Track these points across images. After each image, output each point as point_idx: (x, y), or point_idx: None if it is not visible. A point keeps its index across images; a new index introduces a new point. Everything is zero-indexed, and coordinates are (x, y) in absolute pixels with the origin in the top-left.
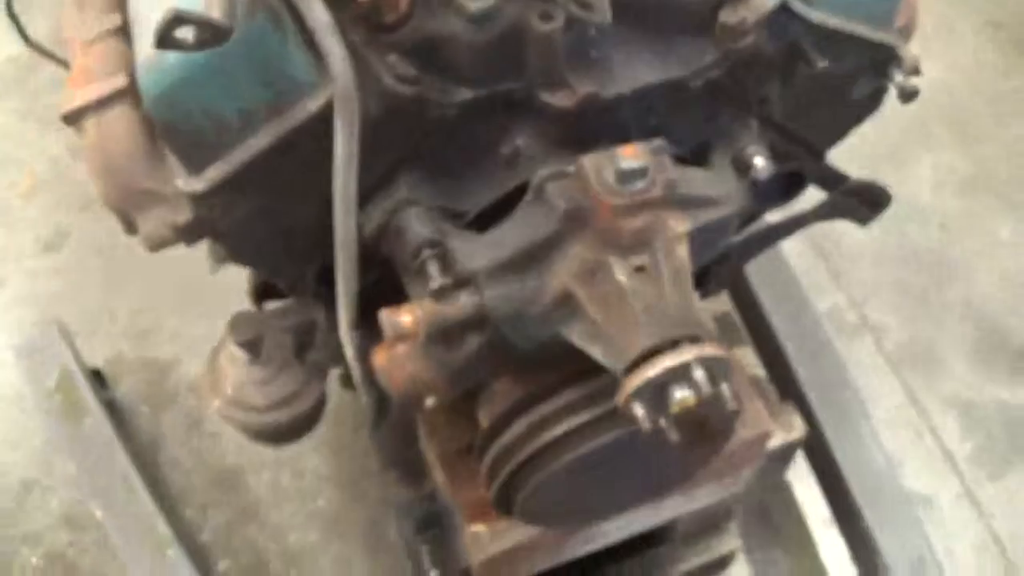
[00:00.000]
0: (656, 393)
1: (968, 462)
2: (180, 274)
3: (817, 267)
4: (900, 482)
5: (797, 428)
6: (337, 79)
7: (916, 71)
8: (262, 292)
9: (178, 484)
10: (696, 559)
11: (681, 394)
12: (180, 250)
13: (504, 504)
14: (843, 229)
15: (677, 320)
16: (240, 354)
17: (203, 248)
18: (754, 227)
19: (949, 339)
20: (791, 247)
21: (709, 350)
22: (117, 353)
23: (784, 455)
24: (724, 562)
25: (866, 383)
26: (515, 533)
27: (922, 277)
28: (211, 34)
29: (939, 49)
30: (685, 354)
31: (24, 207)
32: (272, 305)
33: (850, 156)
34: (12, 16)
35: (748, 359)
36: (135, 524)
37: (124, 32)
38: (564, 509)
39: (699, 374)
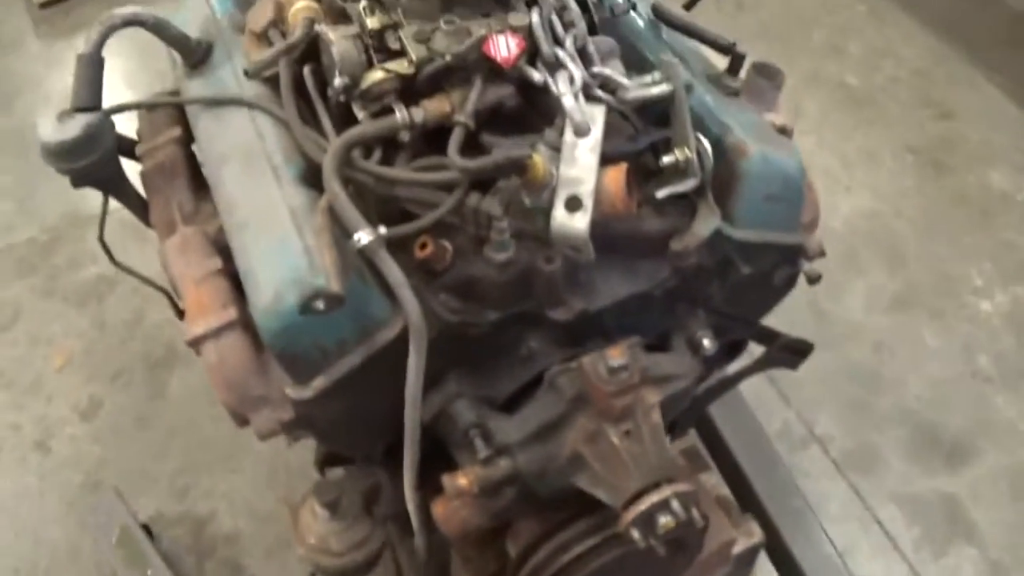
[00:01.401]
0: (646, 520)
1: (913, 546)
2: (209, 438)
3: (767, 391)
4: (852, 569)
5: (756, 534)
6: (412, 320)
7: (821, 254)
8: (326, 462)
9: None
10: None
11: (664, 520)
12: (207, 417)
13: None
14: None
15: (656, 467)
16: (321, 511)
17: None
18: (709, 382)
19: (888, 442)
20: None
21: (681, 487)
22: (158, 510)
23: (748, 558)
24: None
25: (816, 487)
26: None
27: (861, 390)
28: (336, 302)
29: (863, 177)
30: (664, 492)
31: (58, 379)
32: (335, 471)
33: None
34: (102, 242)
35: (713, 480)
36: None
37: (223, 272)
38: None
39: (675, 504)
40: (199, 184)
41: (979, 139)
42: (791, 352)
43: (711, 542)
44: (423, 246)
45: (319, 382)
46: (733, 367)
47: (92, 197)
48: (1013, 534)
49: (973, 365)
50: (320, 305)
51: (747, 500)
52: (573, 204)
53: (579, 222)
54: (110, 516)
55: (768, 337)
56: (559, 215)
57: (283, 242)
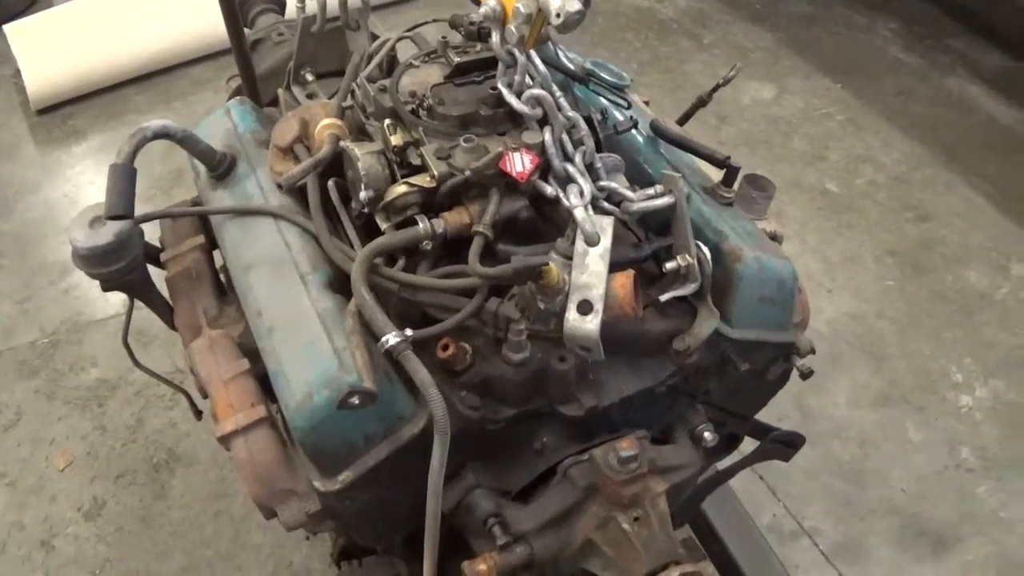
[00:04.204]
0: None
1: None
2: (211, 538)
3: (757, 486)
4: None
5: None
6: (437, 417)
7: (812, 351)
8: (344, 555)
9: None
10: None
11: None
12: (210, 517)
13: None
14: None
15: (664, 550)
16: None
17: (230, 511)
18: (706, 474)
19: (875, 533)
20: None
21: (688, 568)
22: None
23: None
24: None
25: None
26: None
27: (847, 484)
28: (370, 398)
29: (845, 280)
30: (673, 573)
31: (61, 480)
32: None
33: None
34: (126, 345)
35: (709, 571)
36: None
37: (250, 373)
38: None
39: None
40: (220, 289)
41: (957, 240)
42: (784, 444)
43: None
44: (445, 347)
45: (346, 475)
46: (728, 461)
47: (91, 303)
48: None
49: (956, 457)
50: (356, 401)
51: None
52: (585, 308)
53: (590, 324)
54: None
55: (762, 431)
56: (572, 318)
57: (313, 344)
